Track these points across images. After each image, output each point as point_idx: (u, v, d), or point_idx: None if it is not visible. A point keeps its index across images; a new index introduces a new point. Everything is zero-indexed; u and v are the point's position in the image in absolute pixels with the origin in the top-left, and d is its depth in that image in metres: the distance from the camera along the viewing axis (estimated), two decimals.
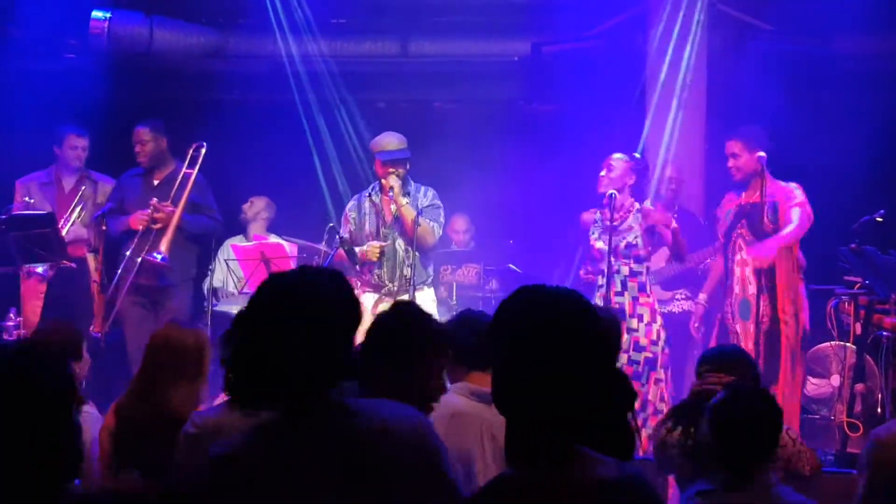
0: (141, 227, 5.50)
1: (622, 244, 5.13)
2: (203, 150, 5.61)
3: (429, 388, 2.46)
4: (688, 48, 6.46)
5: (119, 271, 5.47)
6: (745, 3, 6.93)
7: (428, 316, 2.58)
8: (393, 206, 5.12)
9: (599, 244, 5.18)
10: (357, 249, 5.21)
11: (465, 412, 2.72)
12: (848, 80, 6.56)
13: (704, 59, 6.56)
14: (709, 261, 5.69)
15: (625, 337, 4.97)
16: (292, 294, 1.73)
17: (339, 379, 1.74)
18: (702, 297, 5.54)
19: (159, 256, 5.38)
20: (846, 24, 6.59)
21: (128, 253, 5.47)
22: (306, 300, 1.72)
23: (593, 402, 1.56)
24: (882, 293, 4.90)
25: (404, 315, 2.54)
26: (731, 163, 5.15)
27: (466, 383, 2.83)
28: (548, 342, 1.55)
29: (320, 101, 7.34)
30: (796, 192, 5.11)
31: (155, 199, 5.50)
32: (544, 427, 1.55)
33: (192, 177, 5.57)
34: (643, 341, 5.08)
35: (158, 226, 5.48)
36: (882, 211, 5.01)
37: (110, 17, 7.03)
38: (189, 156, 5.62)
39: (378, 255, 5.18)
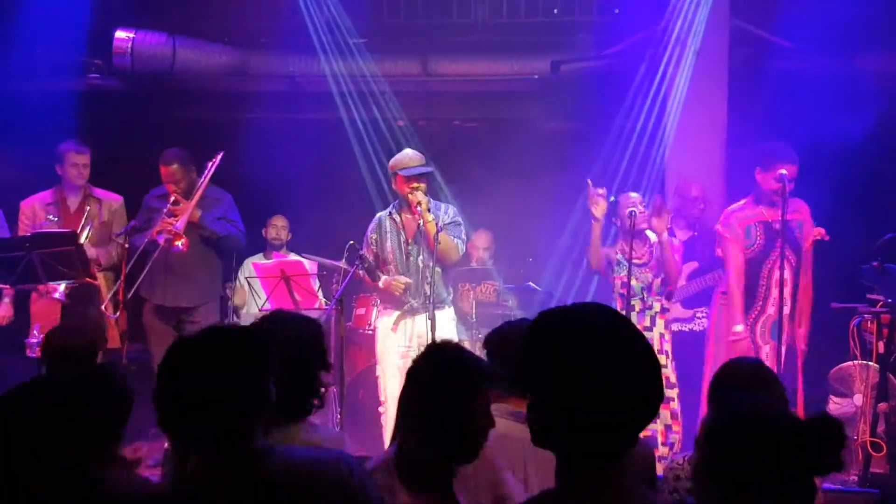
0: (163, 240, 5.53)
1: (657, 281, 5.15)
2: (218, 157, 5.67)
3: (474, 429, 2.35)
4: (706, 67, 6.46)
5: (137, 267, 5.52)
6: (766, 21, 6.92)
7: (463, 360, 2.43)
8: (420, 221, 5.14)
9: (633, 281, 5.17)
10: (383, 278, 5.23)
11: (506, 434, 2.63)
12: (872, 98, 6.52)
13: (725, 77, 6.55)
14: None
15: None
16: (200, 355, 1.79)
17: (255, 425, 1.78)
18: (740, 328, 5.24)
19: (180, 243, 5.45)
20: (869, 41, 6.57)
21: (146, 238, 5.53)
22: (215, 358, 1.78)
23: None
24: None
25: (439, 364, 2.42)
26: (781, 171, 5.11)
27: (505, 404, 2.74)
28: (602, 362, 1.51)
29: (341, 120, 7.39)
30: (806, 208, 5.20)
31: (173, 197, 5.57)
32: (594, 450, 1.53)
33: (209, 171, 5.62)
34: (673, 378, 5.09)
35: (176, 218, 5.52)
36: None
37: (133, 38, 7.12)
38: (208, 168, 5.70)
39: (402, 290, 5.20)
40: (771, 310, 5.15)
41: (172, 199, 5.60)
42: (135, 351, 5.62)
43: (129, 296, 5.50)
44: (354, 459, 1.84)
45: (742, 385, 2.82)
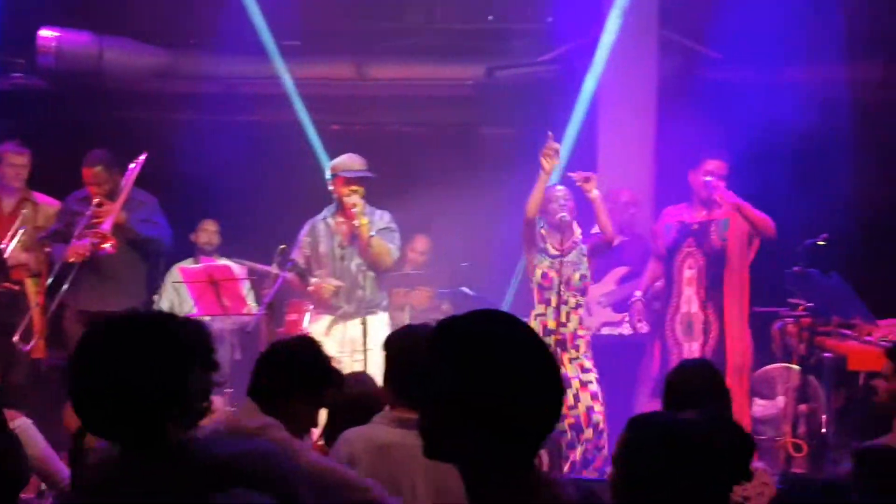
0: (72, 259, 5.41)
1: (576, 276, 5.16)
2: (142, 158, 5.58)
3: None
4: (636, 75, 6.58)
5: (64, 288, 5.39)
6: (694, 31, 7.07)
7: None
8: (356, 223, 5.11)
9: (552, 273, 5.14)
10: (312, 281, 5.19)
11: (391, 442, 2.59)
12: (799, 107, 6.70)
13: (654, 85, 6.67)
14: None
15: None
16: (120, 335, 1.71)
17: (176, 417, 1.71)
18: (637, 294, 5.55)
19: (108, 245, 5.36)
20: (794, 52, 6.75)
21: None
22: (134, 341, 1.70)
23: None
24: (824, 315, 5.02)
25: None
26: (706, 178, 5.21)
27: (393, 412, 2.69)
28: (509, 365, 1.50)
29: (273, 123, 7.31)
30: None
31: (96, 199, 5.45)
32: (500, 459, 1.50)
33: (133, 172, 5.53)
34: (588, 364, 5.11)
35: (100, 220, 5.44)
36: (825, 235, 5.11)
37: (58, 37, 6.97)
38: (131, 170, 5.61)
39: (331, 293, 5.17)
40: (684, 308, 5.27)
41: (96, 201, 5.48)
42: (55, 359, 5.48)
43: (54, 304, 5.38)
44: (281, 452, 1.80)
45: (694, 388, 2.90)
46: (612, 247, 5.34)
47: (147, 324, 1.74)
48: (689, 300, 5.25)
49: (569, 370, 5.05)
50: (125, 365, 1.67)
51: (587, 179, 5.10)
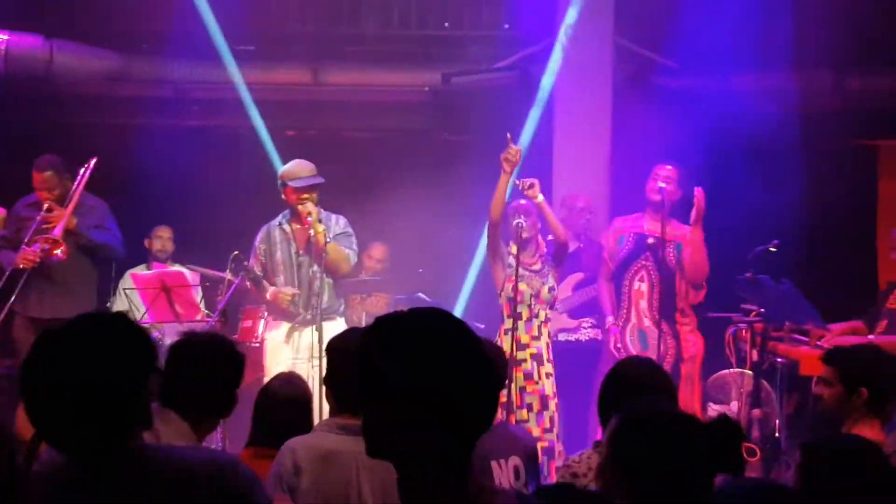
0: (22, 265, 5.32)
1: (545, 288, 5.16)
2: (92, 163, 5.50)
3: None
4: (591, 82, 6.63)
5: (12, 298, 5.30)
6: (648, 39, 7.15)
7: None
8: (312, 231, 5.08)
9: (523, 286, 5.07)
10: (270, 290, 5.15)
11: (334, 450, 2.57)
12: (750, 116, 6.80)
13: (609, 92, 6.72)
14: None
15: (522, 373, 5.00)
16: (73, 340, 1.68)
17: (131, 424, 1.68)
18: (610, 319, 5.58)
19: (59, 251, 5.28)
20: (747, 61, 6.85)
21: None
22: (89, 346, 1.67)
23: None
24: (776, 321, 5.09)
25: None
26: (660, 184, 5.25)
27: (335, 419, 2.67)
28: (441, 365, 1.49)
29: (228, 128, 7.25)
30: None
31: (46, 204, 5.36)
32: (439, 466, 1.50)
33: (83, 177, 5.45)
34: (554, 389, 5.12)
35: (51, 225, 5.35)
36: (776, 241, 5.19)
37: (7, 39, 6.86)
38: (81, 175, 5.54)
39: (288, 301, 5.12)
40: (634, 319, 5.34)
41: (46, 206, 5.40)
42: (5, 367, 5.37)
43: (3, 311, 5.27)
44: (243, 462, 1.77)
45: (635, 384, 2.83)
46: (567, 249, 5.34)
47: (106, 322, 1.72)
48: (641, 314, 5.30)
49: (546, 386, 5.05)
50: (88, 364, 1.64)
51: (531, 186, 5.09)
